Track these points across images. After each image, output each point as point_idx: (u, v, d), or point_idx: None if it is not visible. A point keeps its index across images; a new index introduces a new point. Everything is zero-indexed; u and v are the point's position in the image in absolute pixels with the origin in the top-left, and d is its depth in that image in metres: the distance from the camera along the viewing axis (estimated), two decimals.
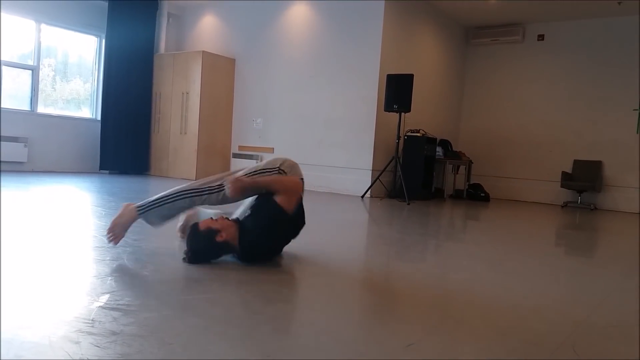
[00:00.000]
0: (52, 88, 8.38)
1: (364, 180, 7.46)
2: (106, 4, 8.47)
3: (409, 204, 6.72)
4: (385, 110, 7.11)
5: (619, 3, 7.63)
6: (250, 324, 1.68)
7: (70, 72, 8.63)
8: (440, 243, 3.64)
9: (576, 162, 8.49)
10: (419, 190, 7.52)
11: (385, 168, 7.32)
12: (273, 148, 8.50)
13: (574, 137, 8.59)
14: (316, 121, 8.03)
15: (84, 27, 8.52)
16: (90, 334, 1.47)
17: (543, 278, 2.73)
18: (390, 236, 4.02)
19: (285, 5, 8.38)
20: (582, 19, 8.51)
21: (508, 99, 9.25)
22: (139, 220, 2.67)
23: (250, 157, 8.70)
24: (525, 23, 9.02)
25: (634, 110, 8.09)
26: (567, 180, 8.26)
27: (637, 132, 8.08)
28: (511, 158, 9.17)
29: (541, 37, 8.94)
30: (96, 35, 8.75)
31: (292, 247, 3.21)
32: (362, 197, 7.28)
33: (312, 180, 8.04)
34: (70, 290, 1.93)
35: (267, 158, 8.97)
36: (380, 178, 7.30)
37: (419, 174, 7.55)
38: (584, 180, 8.18)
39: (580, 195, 8.26)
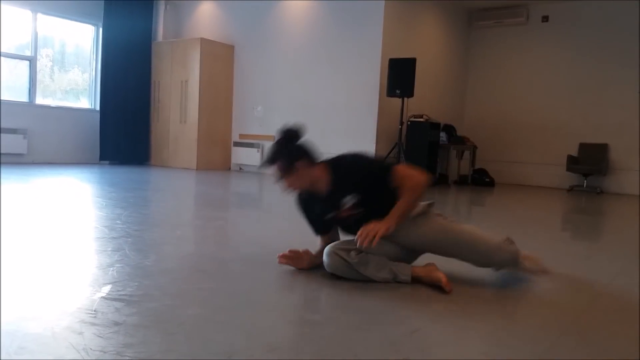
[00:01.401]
0: (51, 79, 8.32)
1: None
2: None
3: None
4: (387, 96, 7.04)
5: None
6: (253, 314, 1.65)
7: (68, 62, 8.55)
8: None
9: (582, 146, 8.42)
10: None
11: (389, 154, 7.26)
12: (274, 136, 8.44)
13: (580, 120, 8.51)
14: (318, 108, 7.96)
15: (81, 16, 8.43)
16: (93, 324, 1.45)
17: (548, 263, 2.69)
18: None
19: None
20: None
21: (512, 82, 9.16)
22: (134, 208, 2.61)
23: (251, 145, 8.65)
24: (528, 4, 8.89)
25: None
26: (572, 164, 8.19)
27: None
28: (516, 142, 9.10)
29: (545, 19, 8.81)
30: (93, 24, 8.66)
31: (294, 236, 3.18)
32: None
33: None
34: (72, 281, 1.90)
35: (269, 146, 8.85)
36: None
37: (423, 159, 7.48)
38: (590, 163, 8.11)
39: (586, 179, 8.20)
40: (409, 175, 2.06)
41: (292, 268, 2.22)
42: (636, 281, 2.35)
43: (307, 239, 2.98)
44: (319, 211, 2.24)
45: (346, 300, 1.85)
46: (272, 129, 8.49)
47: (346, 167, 2.19)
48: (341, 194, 2.14)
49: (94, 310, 1.57)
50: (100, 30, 8.54)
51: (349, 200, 2.15)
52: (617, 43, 8.18)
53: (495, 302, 1.93)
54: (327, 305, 1.78)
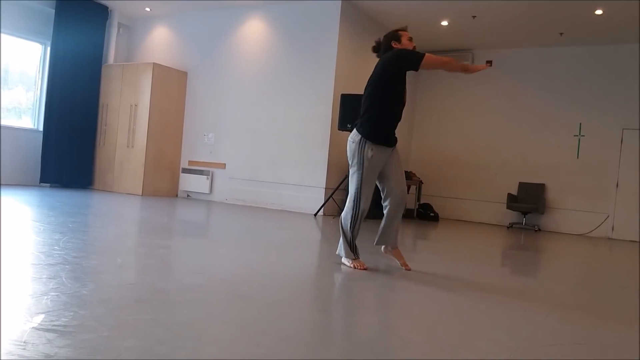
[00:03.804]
0: None
1: (317, 198, 7.45)
2: (53, 11, 8.19)
3: None
4: (338, 129, 7.16)
5: (561, 34, 8.05)
6: (194, 347, 1.61)
7: (12, 80, 8.26)
8: (390, 262, 3.65)
9: (521, 185, 8.80)
10: (371, 209, 7.56)
11: (339, 186, 7.34)
12: (225, 163, 8.38)
13: (520, 160, 8.92)
14: (270, 137, 8.00)
15: (29, 33, 8.20)
16: (21, 357, 1.38)
17: (487, 298, 2.78)
18: (339, 255, 3.99)
19: (240, 20, 8.36)
20: (527, 47, 8.91)
21: (457, 121, 9.53)
22: (77, 235, 2.53)
23: (200, 172, 8.55)
24: (474, 49, 9.35)
25: (575, 136, 8.50)
26: (512, 202, 8.54)
27: (578, 157, 8.48)
28: (460, 179, 9.41)
29: (489, 63, 9.27)
30: (41, 43, 8.43)
31: (239, 266, 3.15)
32: (315, 215, 7.27)
33: (264, 198, 7.97)
34: (2, 309, 1.80)
35: (219, 174, 8.85)
36: (333, 196, 7.32)
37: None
38: (528, 202, 8.48)
39: (525, 217, 8.55)
40: None
41: (234, 300, 2.19)
42: (570, 313, 2.46)
43: (253, 270, 2.96)
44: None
45: (291, 335, 1.84)
46: (222, 157, 8.43)
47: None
48: None
49: (24, 342, 1.49)
50: (48, 49, 8.32)
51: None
52: (555, 88, 8.71)
53: (435, 334, 1.97)
54: (269, 340, 1.77)
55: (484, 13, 7.50)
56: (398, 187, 3.32)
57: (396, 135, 3.39)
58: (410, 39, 3.39)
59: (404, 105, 3.37)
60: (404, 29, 3.44)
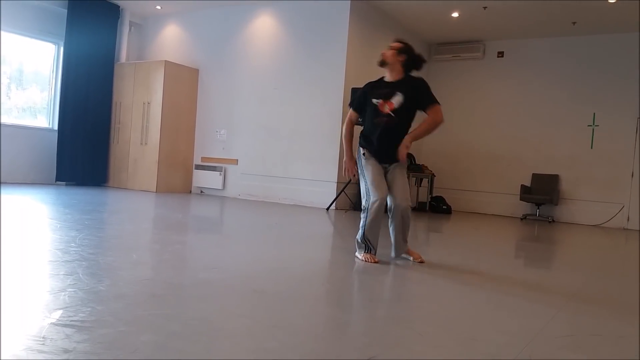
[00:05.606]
0: (7, 96, 8.09)
1: (329, 192, 7.46)
2: (65, 11, 8.27)
3: None
4: None
5: (574, 23, 7.95)
6: (209, 340, 1.64)
7: (27, 80, 8.36)
8: (403, 256, 3.65)
9: (534, 176, 8.73)
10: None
11: (350, 180, 7.34)
12: (237, 160, 8.42)
13: (533, 152, 8.84)
14: (281, 133, 8.01)
15: (42, 34, 8.29)
16: (40, 352, 1.40)
17: (501, 290, 2.77)
18: (354, 249, 4.01)
19: (251, 16, 8.37)
20: (539, 37, 8.81)
21: (469, 113, 9.46)
22: (91, 232, 2.57)
23: (213, 168, 8.59)
24: (485, 40, 9.27)
25: (589, 126, 8.40)
26: (526, 193, 8.47)
27: (592, 147, 8.38)
28: (472, 171, 9.35)
29: (501, 54, 9.20)
30: (54, 43, 8.52)
31: (253, 261, 3.17)
32: (327, 209, 7.28)
33: (277, 193, 8.00)
34: (20, 306, 1.84)
35: (232, 170, 8.88)
36: (345, 190, 7.32)
37: None
38: (542, 193, 8.41)
39: (538, 208, 8.48)
40: (440, 112, 3.35)
41: (248, 294, 2.21)
42: (583, 305, 2.45)
43: (267, 265, 2.98)
44: (374, 95, 3.31)
45: (303, 327, 1.86)
46: (235, 153, 8.47)
47: (417, 78, 3.39)
48: (397, 88, 3.25)
49: (43, 337, 1.52)
50: (62, 48, 8.40)
51: (397, 97, 3.25)
52: (567, 79, 8.60)
53: (450, 326, 1.98)
54: (286, 332, 1.79)
55: (495, 3, 7.42)
56: (399, 199, 3.27)
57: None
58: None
59: (387, 117, 3.29)
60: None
